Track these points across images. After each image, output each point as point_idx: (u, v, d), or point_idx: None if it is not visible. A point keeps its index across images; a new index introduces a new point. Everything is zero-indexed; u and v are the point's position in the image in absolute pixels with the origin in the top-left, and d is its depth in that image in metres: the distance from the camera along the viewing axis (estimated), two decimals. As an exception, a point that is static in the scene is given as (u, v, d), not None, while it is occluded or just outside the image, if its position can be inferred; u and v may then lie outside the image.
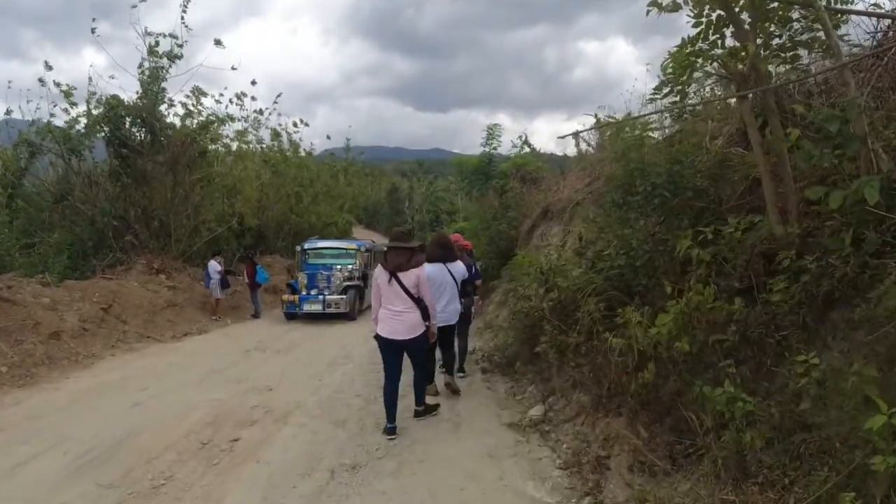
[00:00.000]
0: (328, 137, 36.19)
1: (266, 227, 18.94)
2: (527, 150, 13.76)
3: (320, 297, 11.88)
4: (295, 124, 20.59)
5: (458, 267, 5.95)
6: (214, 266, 11.92)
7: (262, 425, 5.16)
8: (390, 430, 4.80)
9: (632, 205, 3.90)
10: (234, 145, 17.57)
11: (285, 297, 12.14)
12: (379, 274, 4.84)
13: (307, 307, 11.83)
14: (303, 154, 21.60)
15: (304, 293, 12.07)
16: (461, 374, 6.53)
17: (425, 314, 4.80)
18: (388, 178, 54.54)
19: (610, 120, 5.97)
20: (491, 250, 11.60)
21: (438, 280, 5.65)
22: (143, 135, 12.55)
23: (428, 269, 5.23)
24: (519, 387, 5.89)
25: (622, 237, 3.87)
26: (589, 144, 13.13)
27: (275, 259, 18.60)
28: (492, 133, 13.71)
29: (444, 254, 5.84)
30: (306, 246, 13.53)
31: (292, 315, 11.99)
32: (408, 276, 4.73)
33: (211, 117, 14.11)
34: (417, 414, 5.20)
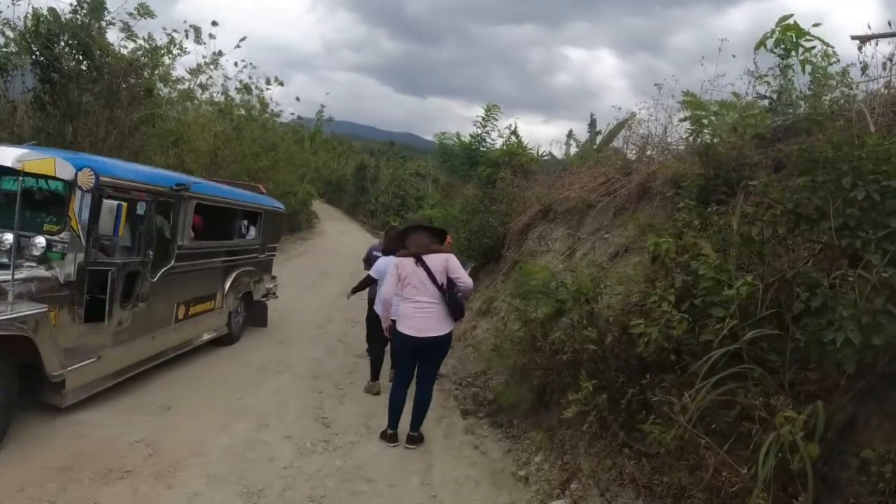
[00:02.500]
0: (297, 99, 33.25)
1: (216, 187, 16.44)
2: (514, 140, 12.16)
3: None
4: (268, 81, 18.13)
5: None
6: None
7: (135, 481, 3.27)
8: (392, 438, 4.25)
9: (855, 221, 2.21)
10: (187, 85, 15.00)
11: None
12: (399, 263, 4.28)
13: None
14: (268, 115, 19.19)
15: None
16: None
17: (454, 308, 4.23)
18: (356, 154, 51.86)
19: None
20: (471, 247, 9.96)
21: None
22: (77, 59, 10.13)
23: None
24: (520, 451, 4.18)
25: (816, 283, 2.13)
26: (577, 143, 11.87)
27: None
28: (489, 114, 11.94)
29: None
30: None
31: None
32: (435, 260, 4.21)
33: (160, 45, 11.65)
34: (411, 440, 4.27)
